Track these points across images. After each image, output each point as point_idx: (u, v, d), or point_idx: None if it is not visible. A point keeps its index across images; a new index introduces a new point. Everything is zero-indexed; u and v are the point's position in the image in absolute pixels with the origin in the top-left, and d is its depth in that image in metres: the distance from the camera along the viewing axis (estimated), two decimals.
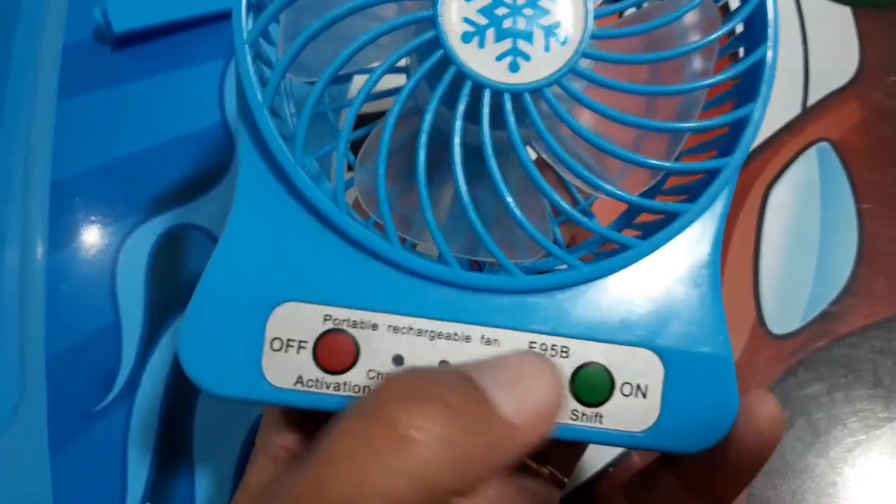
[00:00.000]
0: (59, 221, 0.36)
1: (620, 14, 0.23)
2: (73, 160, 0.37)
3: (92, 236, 0.36)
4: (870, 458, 0.31)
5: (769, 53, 0.21)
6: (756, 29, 0.21)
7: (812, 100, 0.36)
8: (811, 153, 0.35)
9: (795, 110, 0.36)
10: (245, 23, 0.20)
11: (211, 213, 0.36)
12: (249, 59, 0.20)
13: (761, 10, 0.21)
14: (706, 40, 0.20)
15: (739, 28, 0.22)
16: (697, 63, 0.21)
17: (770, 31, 0.21)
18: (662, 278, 0.21)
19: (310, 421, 0.23)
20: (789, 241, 0.34)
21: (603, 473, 0.30)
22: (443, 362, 0.21)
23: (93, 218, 0.36)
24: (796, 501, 0.30)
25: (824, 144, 0.35)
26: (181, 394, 0.33)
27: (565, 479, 0.27)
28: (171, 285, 0.35)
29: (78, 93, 0.38)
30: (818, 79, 0.36)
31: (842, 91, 0.36)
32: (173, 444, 0.33)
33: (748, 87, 0.21)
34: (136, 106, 0.38)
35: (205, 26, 0.39)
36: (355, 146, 0.24)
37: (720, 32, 0.20)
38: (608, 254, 0.21)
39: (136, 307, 0.34)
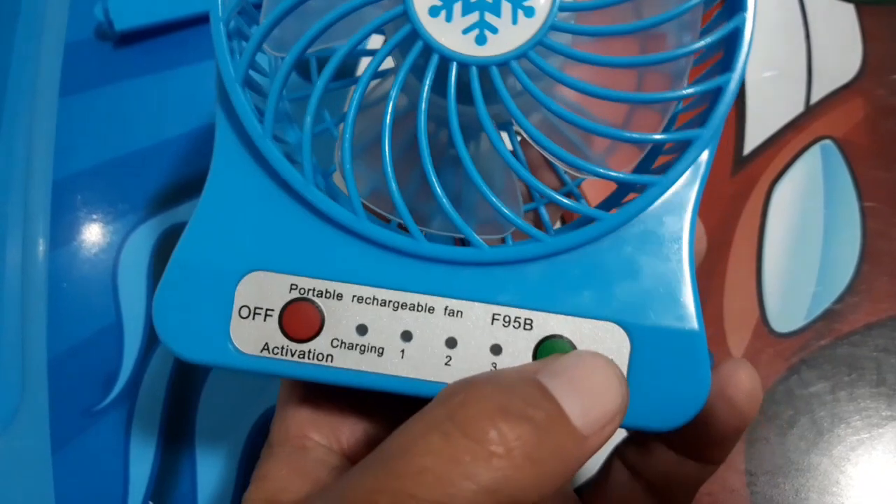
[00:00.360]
0: (61, 220, 0.36)
1: None
2: (74, 158, 0.37)
3: (93, 235, 0.36)
4: (873, 457, 0.31)
5: (748, 24, 0.20)
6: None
7: (815, 97, 0.36)
8: (815, 151, 0.35)
9: (799, 108, 0.36)
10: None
11: None
12: (223, 33, 0.21)
13: None
14: (685, 7, 0.20)
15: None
16: (685, 37, 0.21)
17: (749, 1, 0.20)
18: (630, 252, 0.21)
19: (333, 408, 0.23)
20: (792, 238, 0.34)
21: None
22: (406, 332, 0.21)
23: (94, 216, 0.36)
24: (799, 500, 0.30)
25: (828, 142, 0.35)
26: (183, 391, 0.33)
27: None
28: None
29: (79, 90, 0.38)
30: (822, 76, 0.36)
31: (845, 88, 0.36)
32: (175, 443, 0.33)
33: (728, 60, 0.21)
34: (137, 104, 0.38)
35: (205, 24, 0.39)
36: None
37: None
38: (574, 226, 0.21)
39: (137, 306, 0.34)
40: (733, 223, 0.34)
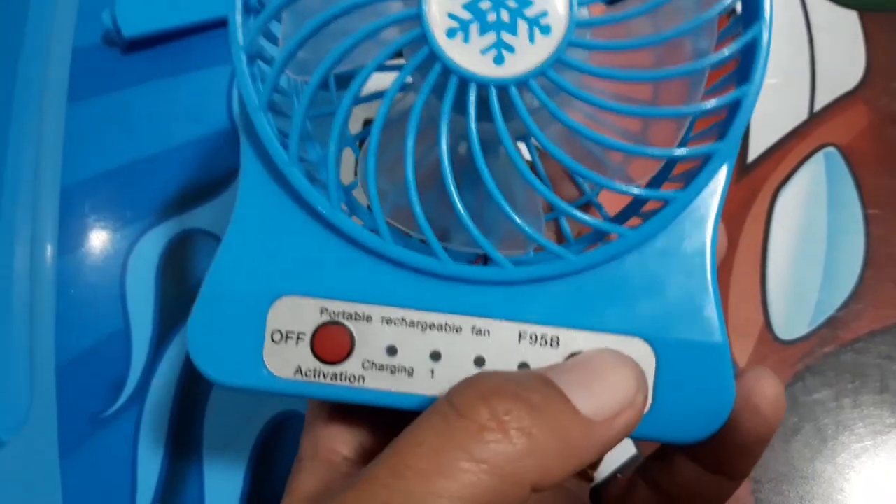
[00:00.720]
0: (69, 226, 0.36)
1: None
2: (82, 164, 0.37)
3: (101, 241, 0.36)
4: (877, 464, 0.31)
5: (764, 34, 0.20)
6: (751, 8, 0.20)
7: (819, 104, 0.36)
8: (818, 158, 0.35)
9: (803, 115, 0.36)
10: (241, 27, 0.21)
11: (220, 217, 0.36)
12: (245, 62, 0.21)
13: None
14: (697, 21, 0.20)
15: (739, 8, 0.21)
16: (702, 42, 0.21)
17: (766, 11, 0.20)
18: (654, 267, 0.21)
19: (361, 424, 0.24)
20: (796, 245, 0.34)
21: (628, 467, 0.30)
22: (435, 352, 0.21)
23: (102, 222, 0.36)
24: None
25: (831, 149, 0.35)
26: (191, 398, 0.33)
27: (593, 474, 0.27)
28: (180, 289, 0.35)
29: (88, 97, 0.39)
30: (825, 83, 0.36)
31: (849, 95, 0.36)
32: (183, 448, 0.33)
33: (745, 69, 0.21)
34: (145, 110, 0.38)
35: (214, 30, 0.39)
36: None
37: (714, 11, 0.20)
38: (599, 243, 0.21)
39: (145, 312, 0.35)
40: (738, 230, 0.34)
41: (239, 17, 0.21)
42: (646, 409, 0.21)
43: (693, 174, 0.21)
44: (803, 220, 0.34)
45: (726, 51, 0.20)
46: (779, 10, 0.37)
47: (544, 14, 0.19)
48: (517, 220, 0.20)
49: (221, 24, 0.39)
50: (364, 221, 0.23)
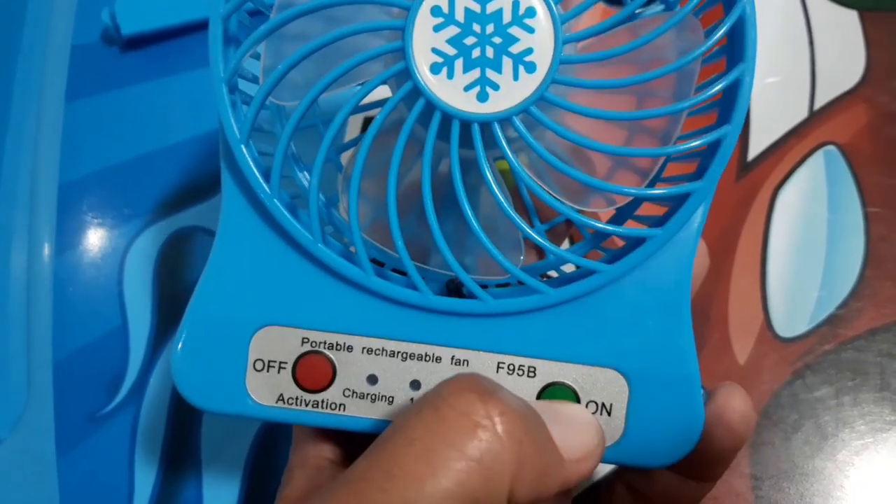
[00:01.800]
0: (67, 224, 0.36)
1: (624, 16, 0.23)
2: (80, 162, 0.37)
3: (99, 239, 0.36)
4: (877, 461, 0.31)
5: (747, 77, 0.20)
6: (736, 45, 0.21)
7: (819, 103, 0.36)
8: (818, 156, 0.35)
9: (803, 114, 0.36)
10: (222, 57, 0.21)
11: (217, 214, 0.36)
12: (226, 94, 0.21)
13: (740, 26, 0.20)
14: (682, 62, 0.20)
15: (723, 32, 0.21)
16: (687, 68, 0.21)
17: (750, 52, 0.20)
18: (630, 301, 0.21)
19: (348, 434, 0.24)
20: (796, 243, 0.34)
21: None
22: (415, 381, 0.22)
23: (100, 220, 0.36)
24: None
25: (831, 148, 0.35)
26: None
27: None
28: (178, 288, 0.35)
29: (86, 95, 0.39)
30: (825, 82, 0.36)
31: (848, 94, 0.36)
32: (180, 448, 0.33)
33: (727, 107, 0.21)
34: (143, 108, 0.38)
35: None
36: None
37: (697, 53, 0.20)
38: (576, 277, 0.22)
39: (143, 310, 0.34)
40: (738, 229, 0.34)
41: (219, 50, 0.21)
42: (616, 438, 0.22)
43: (671, 211, 0.21)
44: (803, 218, 0.34)
45: (709, 91, 0.20)
46: (779, 9, 0.38)
47: (529, 51, 0.19)
48: (497, 254, 0.21)
49: None
50: (344, 235, 0.24)
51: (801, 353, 0.32)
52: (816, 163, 0.35)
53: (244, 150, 0.21)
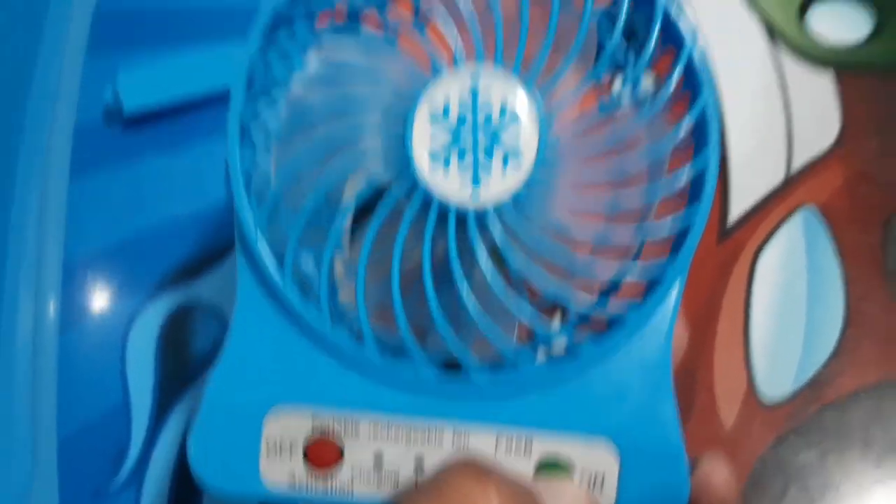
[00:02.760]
0: (71, 300, 0.37)
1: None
2: (84, 239, 0.38)
3: (103, 315, 0.37)
4: None
5: (711, 164, 0.22)
6: (701, 133, 0.22)
7: (796, 165, 0.37)
8: (797, 218, 0.36)
9: (780, 176, 0.37)
10: (240, 160, 0.23)
11: (219, 289, 0.37)
12: (244, 193, 0.23)
13: (702, 119, 0.22)
14: (653, 154, 0.22)
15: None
16: (658, 150, 0.23)
17: (710, 147, 0.22)
18: (617, 377, 0.23)
19: None
20: (778, 305, 0.35)
21: None
22: (419, 457, 0.23)
23: (104, 296, 0.37)
24: None
25: (809, 208, 0.36)
26: (190, 472, 0.34)
27: None
28: (179, 363, 0.36)
29: (89, 172, 0.40)
30: (801, 144, 0.37)
31: (825, 155, 0.37)
32: None
33: (696, 186, 0.22)
34: (146, 184, 0.39)
35: (214, 104, 0.41)
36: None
37: (666, 146, 0.22)
38: (564, 356, 0.23)
39: (145, 386, 0.35)
40: (721, 292, 0.35)
41: (237, 151, 0.23)
42: None
43: (648, 290, 0.23)
44: (784, 279, 0.35)
45: (677, 184, 0.22)
46: (754, 72, 0.39)
47: (514, 149, 0.21)
48: (494, 336, 0.22)
49: (220, 97, 0.40)
50: (347, 316, 0.25)
51: (786, 417, 0.33)
52: (795, 224, 0.36)
53: (258, 241, 0.23)
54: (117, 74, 0.40)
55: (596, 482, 0.23)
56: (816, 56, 0.39)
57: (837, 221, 0.36)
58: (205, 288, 0.37)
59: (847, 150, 0.37)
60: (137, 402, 0.35)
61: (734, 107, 0.38)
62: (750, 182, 0.37)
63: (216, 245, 0.38)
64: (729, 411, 0.33)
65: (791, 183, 0.37)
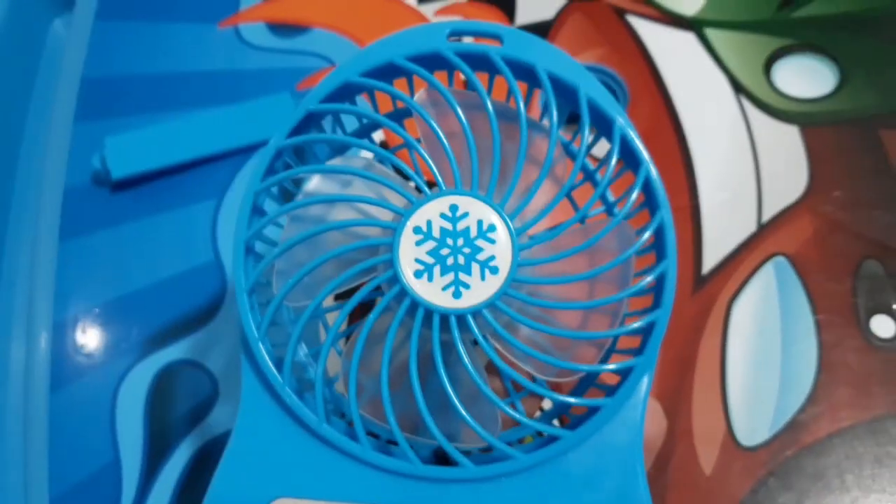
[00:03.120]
0: (61, 361, 0.38)
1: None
2: (73, 300, 0.39)
3: (92, 374, 0.37)
4: None
5: (670, 271, 0.24)
6: (660, 242, 0.24)
7: (766, 216, 0.38)
8: (769, 267, 0.37)
9: (751, 227, 0.38)
10: (244, 272, 0.25)
11: (204, 348, 0.38)
12: (247, 304, 0.25)
13: (660, 230, 0.24)
14: (624, 256, 0.24)
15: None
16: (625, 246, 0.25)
17: (668, 259, 0.24)
18: (592, 463, 0.24)
19: None
20: (753, 353, 0.36)
21: None
22: None
23: (93, 357, 0.38)
24: None
25: (781, 258, 0.38)
26: None
27: None
28: (168, 421, 0.36)
29: (78, 235, 0.41)
30: (771, 196, 0.39)
31: (794, 206, 0.39)
32: None
33: (659, 290, 0.24)
34: (133, 246, 0.40)
35: (197, 168, 0.42)
36: None
37: (631, 252, 0.24)
38: (544, 443, 0.24)
39: (134, 445, 0.36)
40: (696, 341, 0.36)
41: (241, 264, 0.25)
42: None
43: (620, 381, 0.24)
44: (758, 327, 0.36)
45: (642, 283, 0.24)
46: (724, 127, 0.40)
47: (492, 258, 0.23)
48: (476, 426, 0.23)
49: (204, 161, 0.42)
50: (342, 409, 0.27)
51: (764, 461, 0.34)
52: (767, 274, 0.37)
53: (260, 346, 0.25)
54: (104, 141, 0.41)
55: None
56: (782, 111, 0.41)
57: (808, 270, 0.37)
58: (192, 345, 0.38)
59: (815, 200, 0.39)
60: (127, 459, 0.35)
61: (705, 160, 0.40)
62: (722, 234, 0.38)
63: (202, 305, 0.39)
64: (708, 457, 0.34)
65: (762, 233, 0.38)
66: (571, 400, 0.24)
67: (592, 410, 0.24)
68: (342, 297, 0.27)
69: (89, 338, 0.38)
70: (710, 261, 0.37)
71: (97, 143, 0.41)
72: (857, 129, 0.40)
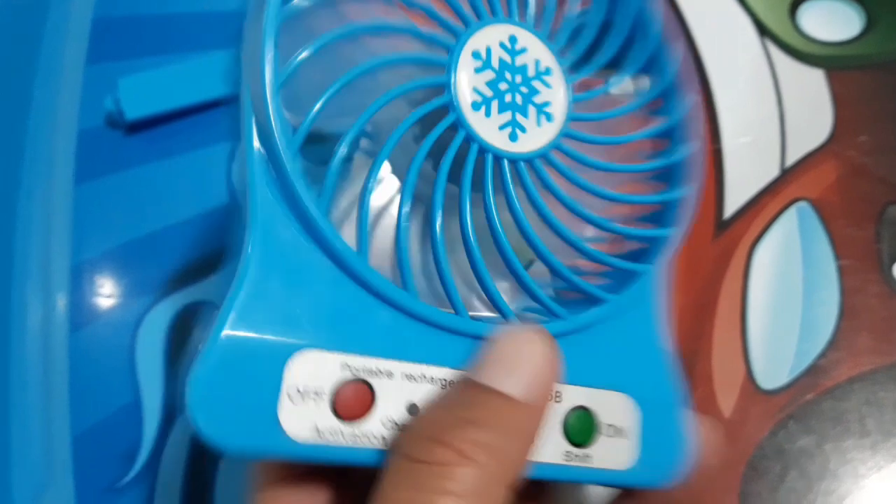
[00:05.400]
0: (80, 302, 0.38)
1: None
2: (91, 242, 0.39)
3: (111, 315, 0.37)
4: None
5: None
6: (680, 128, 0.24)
7: (790, 161, 0.38)
8: (791, 212, 0.37)
9: (774, 172, 0.38)
10: (275, 65, 0.20)
11: (224, 290, 0.37)
12: (278, 104, 0.20)
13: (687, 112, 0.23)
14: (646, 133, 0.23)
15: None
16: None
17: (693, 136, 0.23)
18: (630, 330, 0.23)
19: (319, 486, 0.23)
20: (774, 298, 0.35)
21: None
22: None
23: (111, 298, 0.38)
24: None
25: (803, 203, 0.37)
26: (201, 467, 0.35)
27: None
28: (188, 360, 0.36)
29: (93, 177, 0.40)
30: (795, 140, 0.38)
31: (818, 151, 0.38)
32: None
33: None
34: (149, 188, 0.40)
35: (212, 110, 0.41)
36: None
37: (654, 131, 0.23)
38: (587, 304, 0.23)
39: (155, 384, 0.36)
40: (717, 285, 0.36)
41: (271, 56, 0.21)
42: (633, 462, 0.22)
43: (650, 250, 0.23)
44: (780, 272, 0.36)
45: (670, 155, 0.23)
46: (748, 71, 0.40)
47: (548, 104, 0.22)
48: (555, 261, 0.22)
49: (218, 104, 0.41)
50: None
51: (784, 404, 0.34)
52: (790, 219, 0.37)
53: (294, 161, 0.20)
54: (117, 82, 0.40)
55: (619, 433, 0.22)
56: (808, 54, 0.40)
57: (831, 215, 0.37)
58: (210, 288, 0.38)
59: (840, 145, 0.38)
60: (148, 399, 0.36)
61: (728, 104, 0.39)
62: (744, 178, 0.38)
63: (219, 247, 0.38)
64: (727, 400, 0.34)
65: (785, 178, 0.38)
66: (614, 260, 0.23)
67: (632, 275, 0.23)
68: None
69: (107, 280, 0.38)
70: (732, 205, 0.37)
71: (110, 85, 0.41)
72: (883, 73, 0.40)
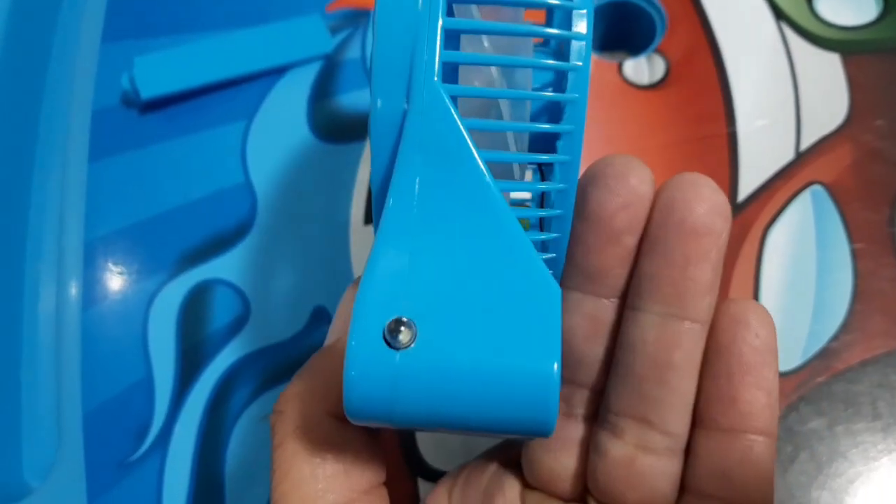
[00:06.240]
0: (92, 279, 0.38)
1: None
2: (104, 220, 0.39)
3: (124, 293, 0.38)
4: (870, 489, 0.32)
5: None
6: None
7: (805, 144, 0.38)
8: (805, 196, 0.37)
9: (789, 155, 0.38)
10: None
11: (235, 268, 0.38)
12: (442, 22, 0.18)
13: None
14: None
15: None
16: None
17: None
18: None
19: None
20: (788, 281, 0.35)
21: None
22: None
23: (124, 275, 0.38)
24: None
25: (818, 187, 0.37)
26: (212, 442, 0.35)
27: None
28: (199, 339, 0.37)
29: (108, 155, 0.41)
30: (810, 124, 0.38)
31: (833, 135, 0.38)
32: (206, 492, 0.34)
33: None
34: (163, 167, 0.40)
35: (226, 90, 0.42)
36: None
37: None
38: None
39: (167, 360, 0.36)
40: (730, 268, 0.35)
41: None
42: None
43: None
44: (793, 256, 0.36)
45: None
46: (763, 54, 0.39)
47: None
48: None
49: (233, 83, 0.41)
50: None
51: (795, 386, 0.34)
52: (804, 202, 0.37)
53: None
54: (133, 61, 0.41)
55: None
56: (824, 38, 0.40)
57: (846, 199, 0.37)
58: (222, 266, 0.38)
59: (855, 129, 0.38)
60: (160, 376, 0.36)
61: (743, 87, 0.39)
62: (759, 160, 0.37)
63: (232, 225, 0.39)
64: None
65: (800, 161, 0.37)
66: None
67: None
68: None
69: (120, 257, 0.38)
70: (746, 188, 0.37)
71: (125, 63, 0.41)
72: None
